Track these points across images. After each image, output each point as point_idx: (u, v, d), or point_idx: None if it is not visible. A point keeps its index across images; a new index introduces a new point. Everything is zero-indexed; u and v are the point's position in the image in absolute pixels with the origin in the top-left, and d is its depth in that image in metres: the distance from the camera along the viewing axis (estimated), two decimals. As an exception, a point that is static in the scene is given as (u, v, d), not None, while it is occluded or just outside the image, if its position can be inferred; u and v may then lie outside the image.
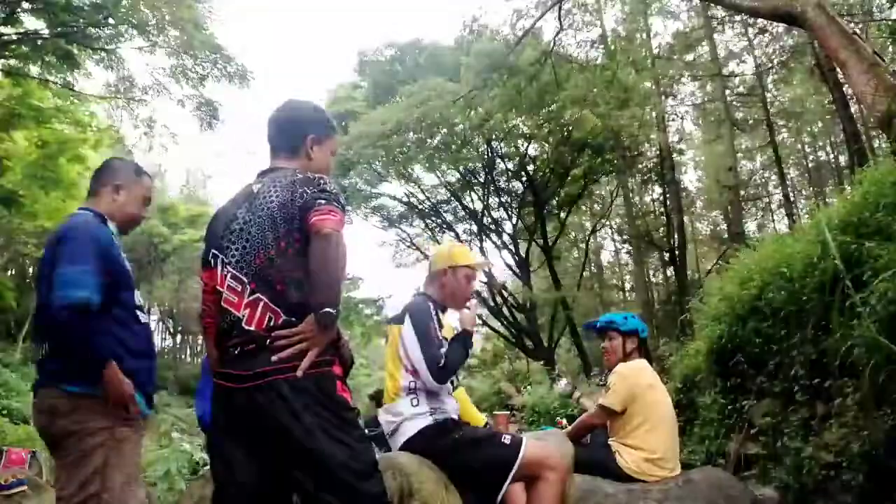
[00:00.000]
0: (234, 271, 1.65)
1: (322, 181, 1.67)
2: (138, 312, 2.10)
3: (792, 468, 3.71)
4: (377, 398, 6.18)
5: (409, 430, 2.23)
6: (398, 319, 2.42)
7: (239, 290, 1.63)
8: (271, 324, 1.57)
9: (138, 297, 2.14)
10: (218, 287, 1.68)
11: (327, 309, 1.54)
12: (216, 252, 1.71)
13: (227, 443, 1.62)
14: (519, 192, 19.35)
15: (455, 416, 2.29)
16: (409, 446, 2.21)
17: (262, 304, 1.59)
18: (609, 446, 3.07)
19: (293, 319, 1.57)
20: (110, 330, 1.96)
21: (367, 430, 3.34)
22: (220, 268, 1.69)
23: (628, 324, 3.30)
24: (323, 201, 1.59)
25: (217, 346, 1.70)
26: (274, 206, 1.64)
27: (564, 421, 4.47)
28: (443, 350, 2.27)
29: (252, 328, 1.58)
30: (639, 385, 3.03)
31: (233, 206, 1.75)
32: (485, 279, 20.09)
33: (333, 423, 1.54)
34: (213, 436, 1.72)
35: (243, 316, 1.60)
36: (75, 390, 1.90)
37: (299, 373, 1.52)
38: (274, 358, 1.53)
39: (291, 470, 1.54)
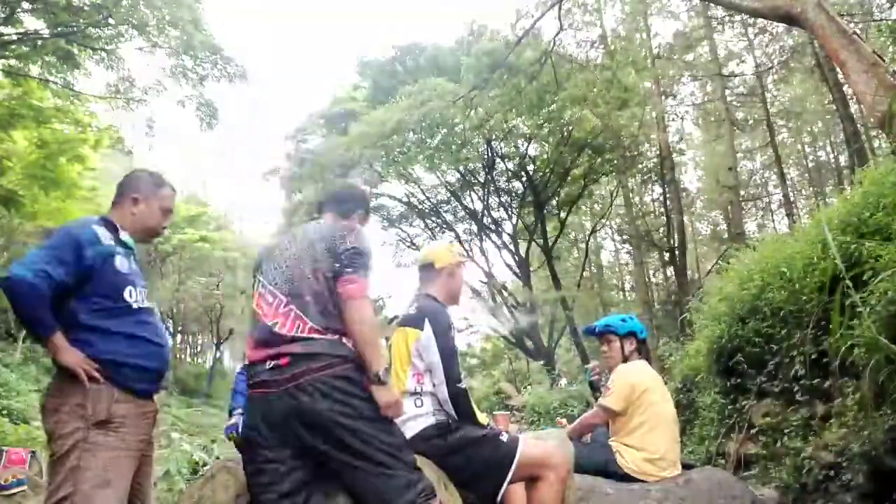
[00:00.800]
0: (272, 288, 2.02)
1: (357, 241, 2.00)
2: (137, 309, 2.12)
3: (792, 468, 3.71)
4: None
5: (411, 430, 2.23)
6: (414, 323, 2.37)
7: (273, 302, 1.98)
8: (299, 331, 1.90)
9: (136, 296, 2.13)
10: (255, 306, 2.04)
11: (377, 372, 1.88)
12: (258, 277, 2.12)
13: (268, 449, 1.88)
14: (519, 192, 19.34)
15: (456, 416, 2.29)
16: (411, 445, 2.21)
17: (293, 313, 1.93)
18: (609, 446, 3.07)
19: (319, 328, 1.90)
20: (78, 318, 2.00)
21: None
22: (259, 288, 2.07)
23: (626, 326, 3.30)
24: (350, 269, 1.93)
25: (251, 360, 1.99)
26: (314, 239, 2.02)
27: (564, 421, 4.47)
28: (460, 370, 2.33)
29: (284, 332, 1.91)
30: (639, 385, 3.03)
31: (280, 241, 2.15)
32: (485, 279, 20.17)
33: (367, 408, 1.87)
34: (250, 446, 1.95)
35: (275, 323, 1.94)
36: (57, 395, 1.98)
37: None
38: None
39: (336, 454, 1.83)
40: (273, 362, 1.87)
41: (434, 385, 2.28)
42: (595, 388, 3.70)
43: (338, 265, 1.94)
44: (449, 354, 2.28)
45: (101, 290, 2.05)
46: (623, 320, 3.36)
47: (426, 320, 2.33)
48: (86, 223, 2.13)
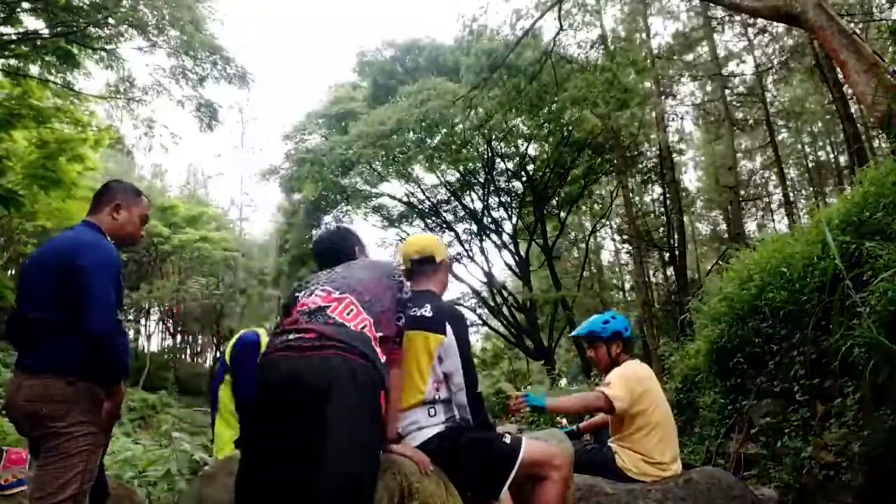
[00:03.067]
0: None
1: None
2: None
3: (792, 468, 3.71)
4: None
5: (421, 437, 2.20)
6: (435, 327, 2.23)
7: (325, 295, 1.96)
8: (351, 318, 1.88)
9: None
10: None
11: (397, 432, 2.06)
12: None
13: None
14: (519, 191, 19.35)
15: (462, 419, 2.27)
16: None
17: (348, 300, 1.91)
18: (609, 447, 3.07)
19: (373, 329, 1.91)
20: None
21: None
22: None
23: (609, 328, 3.21)
24: (400, 338, 2.05)
25: None
26: (373, 268, 2.08)
27: (565, 420, 4.46)
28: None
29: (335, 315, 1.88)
30: (640, 387, 3.00)
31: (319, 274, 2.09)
32: (485, 279, 20.16)
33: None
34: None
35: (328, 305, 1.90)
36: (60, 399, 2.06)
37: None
38: None
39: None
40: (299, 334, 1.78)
41: (451, 391, 2.22)
42: (574, 436, 3.51)
43: (399, 316, 2.01)
44: (470, 358, 2.24)
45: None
46: (605, 322, 3.24)
47: (447, 323, 2.23)
48: (111, 247, 2.19)
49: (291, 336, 1.75)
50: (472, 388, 2.22)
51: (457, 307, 2.39)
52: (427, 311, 2.26)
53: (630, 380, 3.01)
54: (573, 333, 3.58)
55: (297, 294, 1.98)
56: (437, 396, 2.22)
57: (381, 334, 1.84)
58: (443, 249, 2.52)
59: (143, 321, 32.87)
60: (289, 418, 1.64)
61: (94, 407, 2.04)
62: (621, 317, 3.34)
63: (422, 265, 2.43)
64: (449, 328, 2.22)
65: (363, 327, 1.79)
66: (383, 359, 1.81)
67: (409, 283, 1.98)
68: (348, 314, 1.81)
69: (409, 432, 2.23)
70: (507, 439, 2.21)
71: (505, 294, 19.77)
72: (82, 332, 1.98)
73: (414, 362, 2.23)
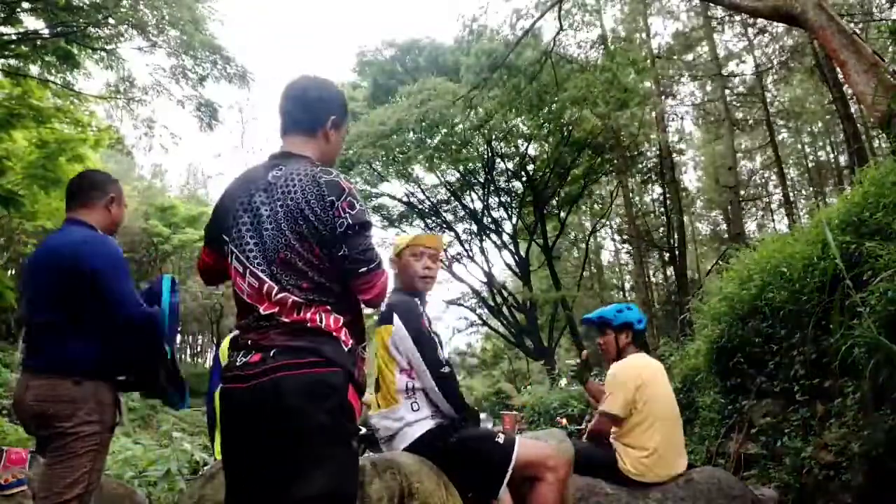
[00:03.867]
0: (252, 268, 1.51)
1: (355, 207, 1.54)
2: None
3: (792, 468, 3.71)
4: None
5: (411, 435, 2.22)
6: (385, 319, 2.33)
7: (256, 286, 1.50)
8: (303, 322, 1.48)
9: None
10: (232, 277, 1.58)
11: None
12: (226, 238, 1.58)
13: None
14: (519, 191, 19.35)
15: (446, 403, 2.27)
16: (410, 450, 2.20)
17: (290, 300, 1.48)
18: (610, 445, 3.05)
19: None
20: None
21: (362, 431, 3.34)
22: (231, 258, 1.57)
23: (621, 318, 3.20)
24: (364, 266, 1.54)
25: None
26: (297, 201, 1.49)
27: (565, 420, 4.47)
28: (440, 354, 2.27)
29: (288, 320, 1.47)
30: (633, 383, 2.96)
31: (245, 190, 1.58)
32: (485, 279, 20.16)
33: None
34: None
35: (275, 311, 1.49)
36: (66, 399, 2.06)
37: None
38: None
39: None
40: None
41: (420, 377, 2.26)
42: (572, 434, 3.55)
43: (345, 259, 1.51)
44: (424, 341, 2.25)
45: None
46: (619, 311, 3.24)
47: (394, 313, 2.30)
48: (111, 242, 2.22)
49: (238, 359, 1.48)
50: (433, 367, 2.22)
51: (408, 297, 2.38)
52: (383, 306, 2.36)
53: (622, 376, 3.00)
54: (586, 317, 3.53)
55: (226, 244, 1.58)
56: (413, 384, 2.26)
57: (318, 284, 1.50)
58: (393, 250, 2.52)
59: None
60: (255, 455, 1.43)
61: (100, 407, 2.04)
62: (636, 308, 3.32)
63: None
64: (395, 316, 2.29)
65: (311, 316, 1.47)
66: (346, 337, 1.51)
67: (347, 204, 1.51)
68: (298, 313, 1.48)
69: (397, 429, 2.25)
70: (500, 439, 2.20)
71: (505, 294, 19.76)
72: (122, 325, 2.06)
73: (381, 357, 2.32)
